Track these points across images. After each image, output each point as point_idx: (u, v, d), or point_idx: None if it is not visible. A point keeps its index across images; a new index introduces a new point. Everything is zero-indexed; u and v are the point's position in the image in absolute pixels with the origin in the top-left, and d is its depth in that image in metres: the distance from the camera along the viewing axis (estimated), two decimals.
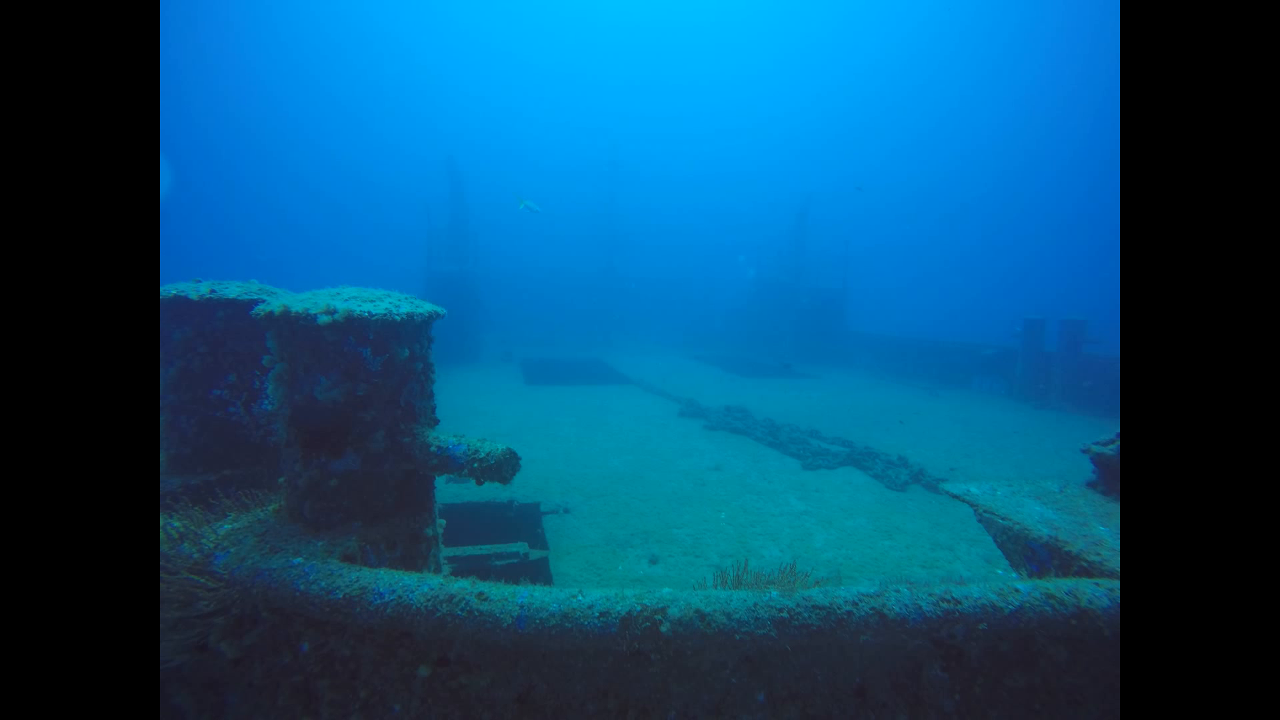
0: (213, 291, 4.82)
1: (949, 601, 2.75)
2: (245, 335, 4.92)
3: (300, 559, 3.05)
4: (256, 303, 4.74)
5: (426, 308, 3.73)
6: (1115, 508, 4.12)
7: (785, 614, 2.65)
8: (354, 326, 3.39)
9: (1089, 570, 3.39)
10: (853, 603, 2.70)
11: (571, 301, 34.86)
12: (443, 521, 4.21)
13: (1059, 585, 2.84)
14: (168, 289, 4.71)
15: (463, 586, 2.78)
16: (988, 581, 2.88)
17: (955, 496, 4.51)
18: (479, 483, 3.53)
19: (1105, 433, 4.52)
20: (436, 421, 3.95)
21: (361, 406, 3.49)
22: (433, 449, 3.57)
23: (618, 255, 36.15)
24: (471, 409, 14.94)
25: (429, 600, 2.72)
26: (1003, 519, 4.06)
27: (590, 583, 6.07)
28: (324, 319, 3.26)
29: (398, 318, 3.47)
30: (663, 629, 2.61)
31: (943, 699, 2.82)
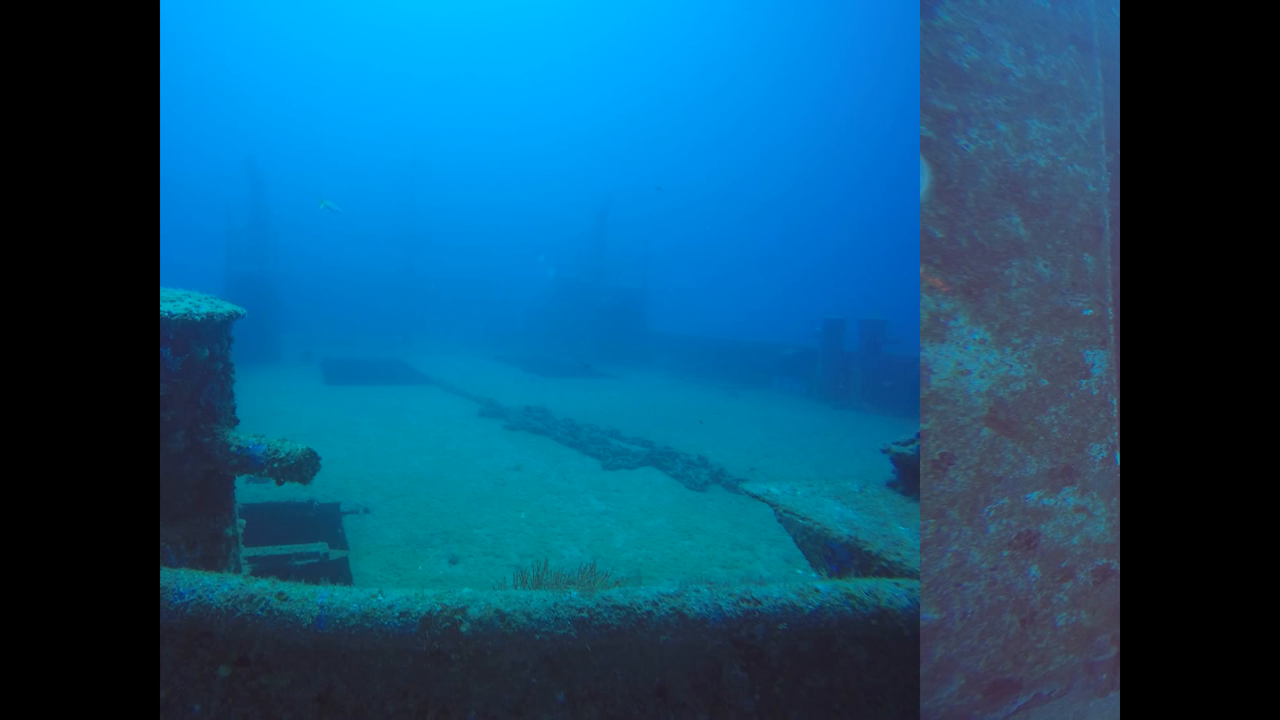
0: None
1: (749, 601, 2.75)
2: None
3: None
4: None
5: (226, 308, 3.73)
6: (915, 508, 4.09)
7: (585, 614, 2.65)
8: None
9: (889, 570, 3.39)
10: (653, 603, 2.72)
11: (372, 301, 33.78)
12: (243, 521, 4.18)
13: (859, 585, 2.85)
14: None
15: (263, 586, 2.70)
16: (788, 581, 2.86)
17: (755, 496, 4.50)
18: (279, 483, 3.55)
19: (905, 432, 4.55)
20: (237, 421, 3.95)
21: (161, 406, 3.46)
22: (233, 449, 3.58)
23: (418, 255, 35.63)
24: (271, 409, 14.36)
25: (229, 600, 2.63)
26: (803, 519, 4.04)
27: (390, 583, 6.10)
28: None
29: (198, 318, 3.46)
30: (463, 629, 2.59)
31: (743, 699, 2.82)
